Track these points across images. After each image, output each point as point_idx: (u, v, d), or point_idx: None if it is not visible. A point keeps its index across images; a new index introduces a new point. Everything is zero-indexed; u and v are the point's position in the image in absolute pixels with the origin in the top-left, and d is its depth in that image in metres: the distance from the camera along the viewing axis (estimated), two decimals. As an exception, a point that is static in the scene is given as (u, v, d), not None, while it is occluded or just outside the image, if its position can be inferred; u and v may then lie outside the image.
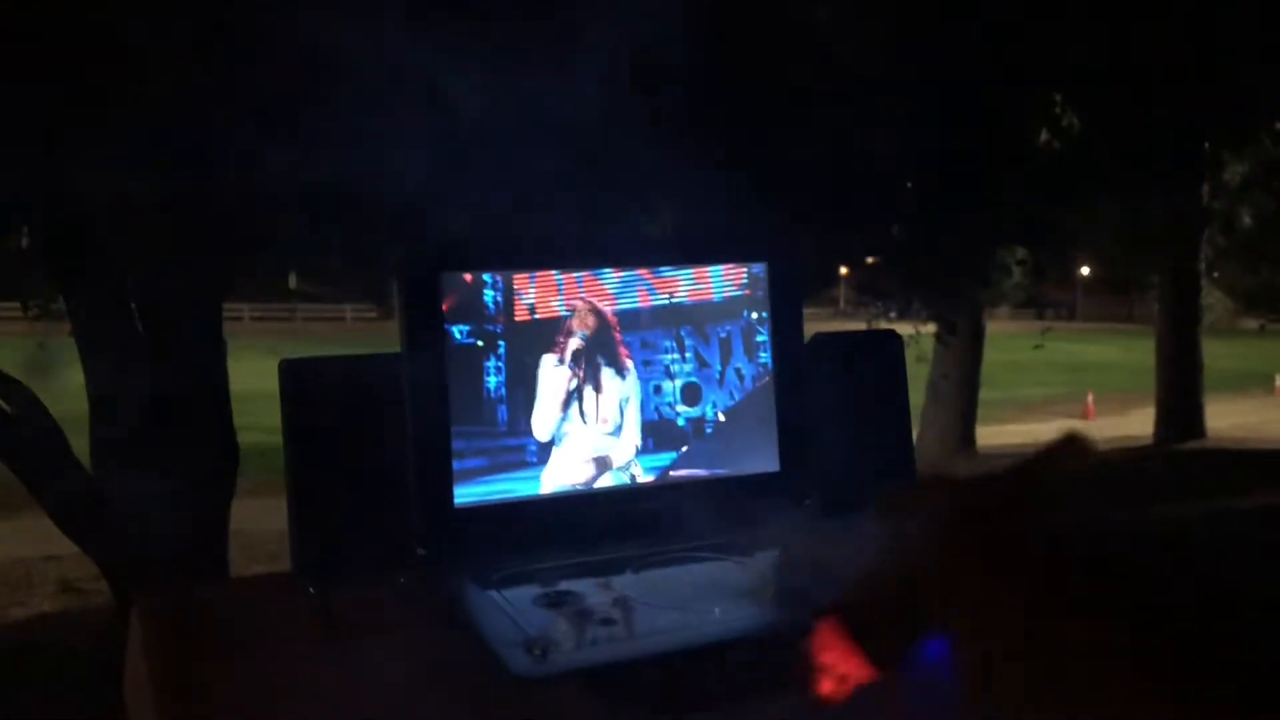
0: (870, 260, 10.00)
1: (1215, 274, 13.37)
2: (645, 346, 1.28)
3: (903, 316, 9.57)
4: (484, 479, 1.22)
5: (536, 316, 1.24)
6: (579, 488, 1.26)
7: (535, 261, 1.23)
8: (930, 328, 9.40)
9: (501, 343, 1.23)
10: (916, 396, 10.77)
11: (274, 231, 4.20)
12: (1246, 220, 11.23)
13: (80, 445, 4.54)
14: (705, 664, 0.99)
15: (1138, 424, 13.91)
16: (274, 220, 3.98)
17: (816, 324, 1.44)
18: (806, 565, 1.19)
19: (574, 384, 1.25)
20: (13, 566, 6.72)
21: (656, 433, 1.29)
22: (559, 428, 1.25)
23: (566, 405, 1.25)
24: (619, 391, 1.27)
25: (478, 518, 1.22)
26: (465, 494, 1.21)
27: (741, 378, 1.33)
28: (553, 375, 1.25)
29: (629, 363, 1.28)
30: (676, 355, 1.30)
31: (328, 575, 1.15)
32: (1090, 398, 16.24)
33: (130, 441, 4.31)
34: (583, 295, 1.25)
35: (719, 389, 1.32)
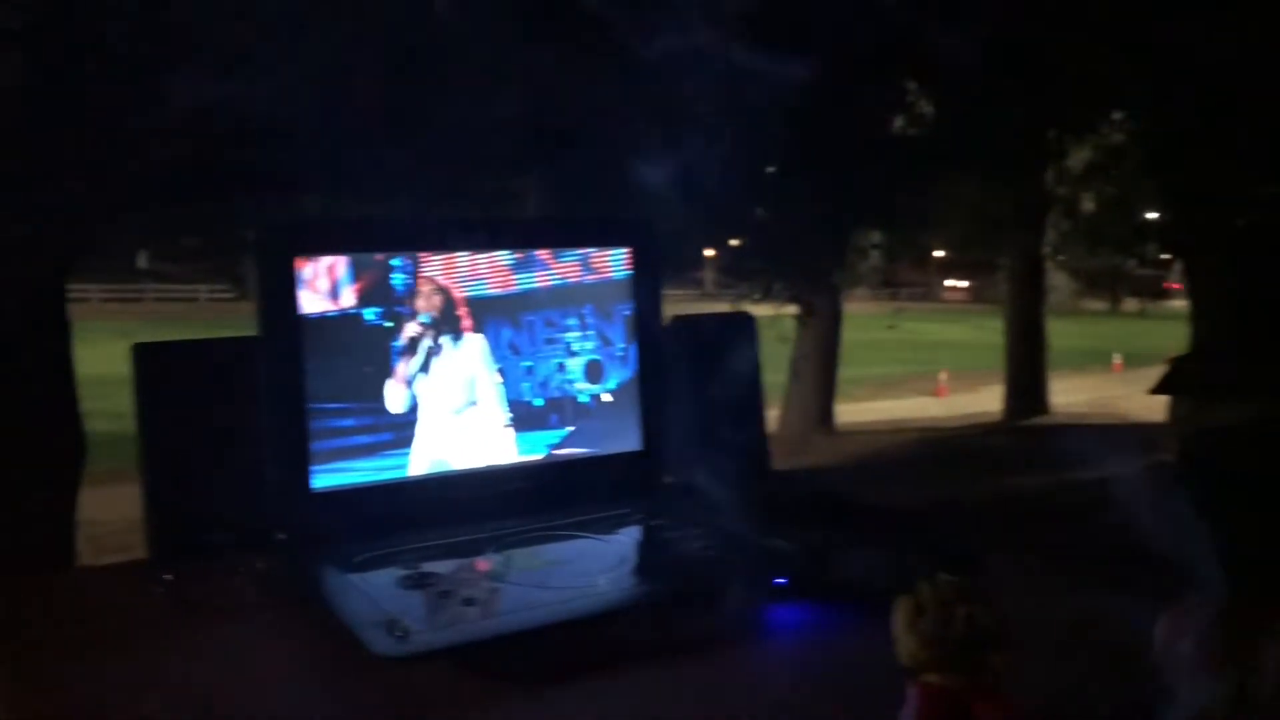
0: (734, 243, 10.17)
1: (1060, 257, 13.99)
2: (524, 328, 1.30)
3: (765, 298, 9.76)
4: (385, 454, 1.24)
5: (438, 298, 1.26)
6: (447, 469, 1.27)
7: (397, 243, 1.23)
8: (791, 309, 9.61)
9: (408, 324, 1.26)
10: (778, 376, 11.02)
11: (123, 203, 4.03)
12: (1088, 205, 11.80)
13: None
14: (566, 639, 1.02)
15: (987, 401, 14.50)
16: (123, 191, 3.83)
17: (684, 305, 1.48)
18: (666, 542, 1.23)
19: (453, 365, 1.26)
20: None
21: (531, 413, 1.32)
22: (431, 406, 1.26)
23: (444, 386, 1.26)
24: (491, 372, 1.29)
25: (337, 500, 1.22)
26: (362, 470, 1.23)
27: (609, 359, 1.36)
28: (436, 356, 1.26)
29: (491, 348, 1.29)
30: (559, 337, 1.33)
31: (183, 561, 1.13)
32: (943, 376, 16.86)
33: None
34: (471, 277, 1.27)
35: (588, 369, 1.35)
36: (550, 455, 1.34)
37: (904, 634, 0.85)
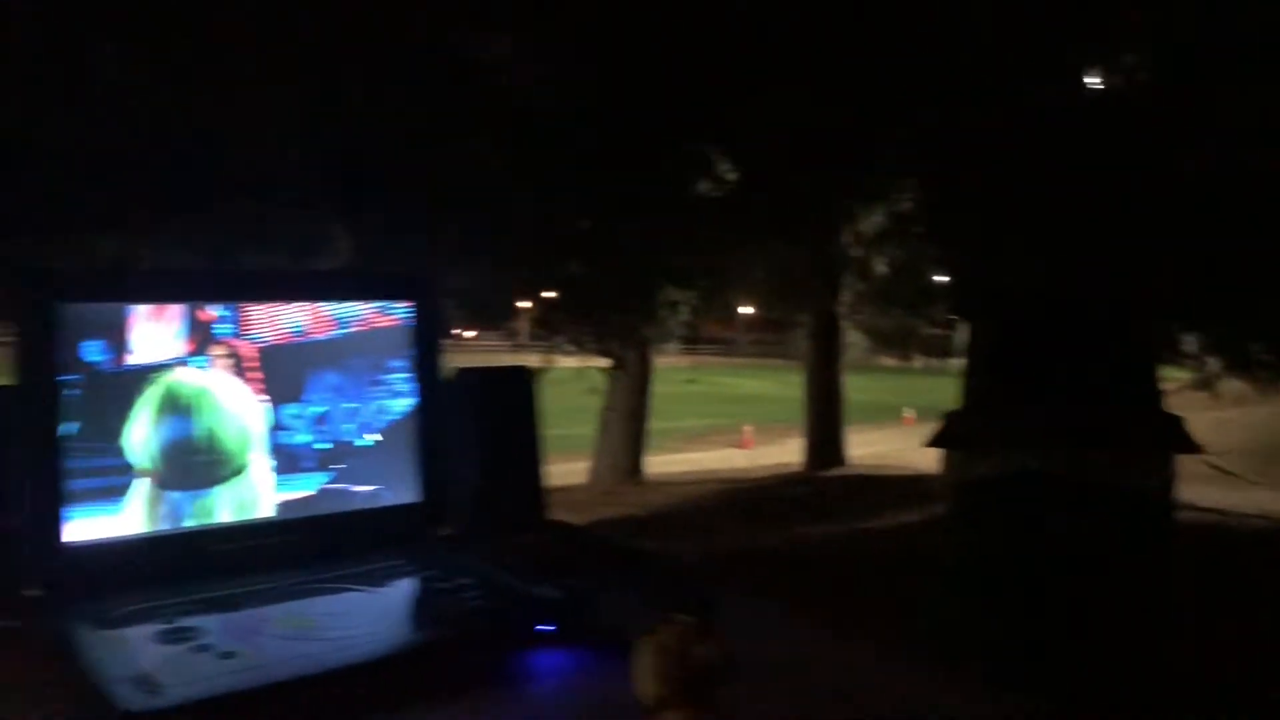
0: (547, 295, 10.22)
1: (856, 316, 14.66)
2: (295, 378, 1.30)
3: (577, 350, 9.84)
4: (146, 506, 1.22)
5: (219, 348, 1.25)
6: (213, 522, 1.26)
7: (169, 293, 1.22)
8: (600, 362, 9.73)
9: (180, 372, 1.25)
10: (587, 428, 11.08)
11: None
12: (880, 268, 12.42)
13: None
14: (325, 690, 1.02)
15: (789, 452, 15.00)
16: None
17: (498, 357, 1.52)
18: (435, 592, 1.25)
19: (231, 415, 1.26)
20: None
21: (297, 463, 1.31)
22: (203, 456, 1.24)
23: (220, 436, 1.25)
24: (254, 424, 1.28)
25: (92, 554, 1.19)
26: (121, 522, 1.19)
27: (389, 410, 1.38)
28: (213, 405, 1.25)
29: (264, 396, 1.29)
30: (331, 387, 1.33)
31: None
32: (748, 428, 17.35)
33: None
34: (240, 327, 1.26)
35: (368, 420, 1.36)
36: (324, 507, 1.34)
37: (644, 674, 0.90)
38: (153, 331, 1.23)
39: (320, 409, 1.34)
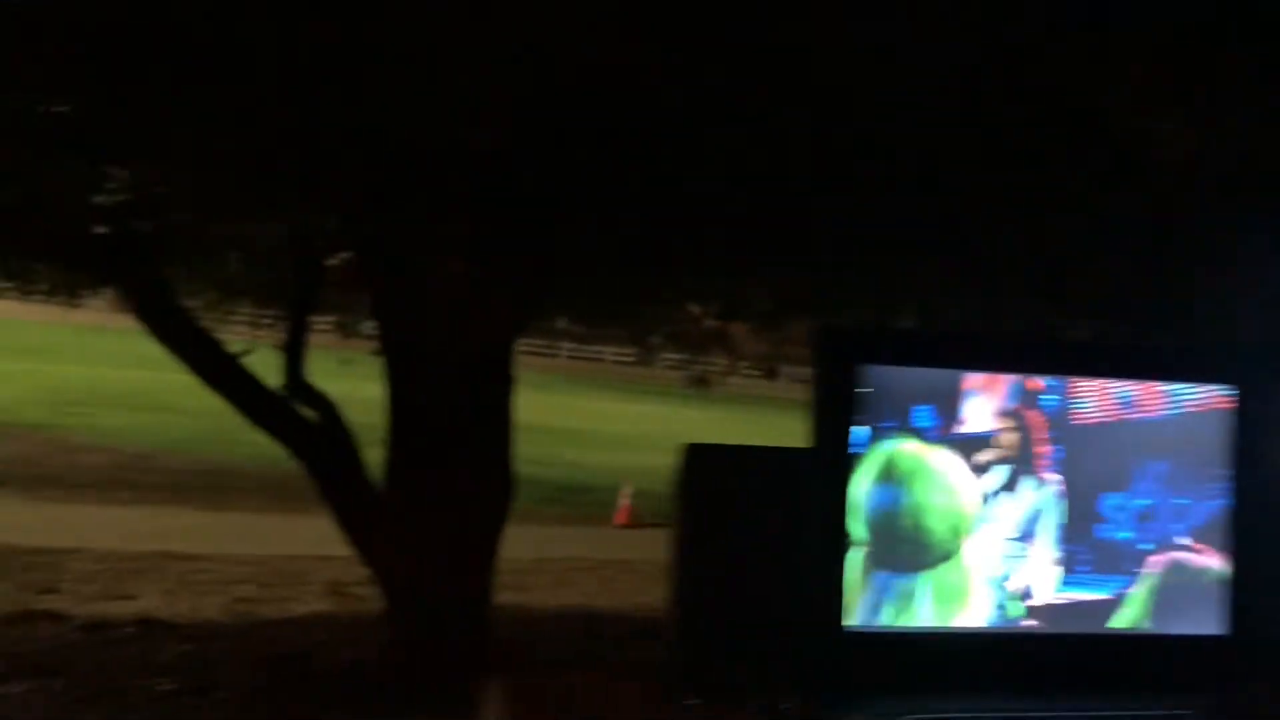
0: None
1: None
2: (1114, 462, 1.11)
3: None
4: (930, 597, 1.10)
5: (1019, 424, 1.10)
6: (1003, 625, 1.10)
7: (975, 362, 1.08)
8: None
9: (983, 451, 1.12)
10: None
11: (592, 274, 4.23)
12: None
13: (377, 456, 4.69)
14: None
15: None
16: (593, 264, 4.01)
17: None
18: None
19: (1021, 500, 1.10)
20: (289, 562, 7.05)
21: (1116, 564, 1.11)
22: (988, 546, 1.10)
23: (1007, 524, 1.10)
24: (1060, 512, 1.10)
25: (872, 644, 1.07)
26: (902, 613, 1.08)
27: (1208, 512, 1.13)
28: (1007, 489, 1.10)
29: (1059, 477, 1.11)
30: (1157, 477, 1.12)
31: (706, 684, 1.03)
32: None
33: (421, 461, 4.42)
34: (1066, 400, 1.11)
35: (1192, 522, 1.12)
36: (1112, 625, 1.13)
37: None
38: (974, 402, 1.09)
39: (1145, 501, 1.12)
